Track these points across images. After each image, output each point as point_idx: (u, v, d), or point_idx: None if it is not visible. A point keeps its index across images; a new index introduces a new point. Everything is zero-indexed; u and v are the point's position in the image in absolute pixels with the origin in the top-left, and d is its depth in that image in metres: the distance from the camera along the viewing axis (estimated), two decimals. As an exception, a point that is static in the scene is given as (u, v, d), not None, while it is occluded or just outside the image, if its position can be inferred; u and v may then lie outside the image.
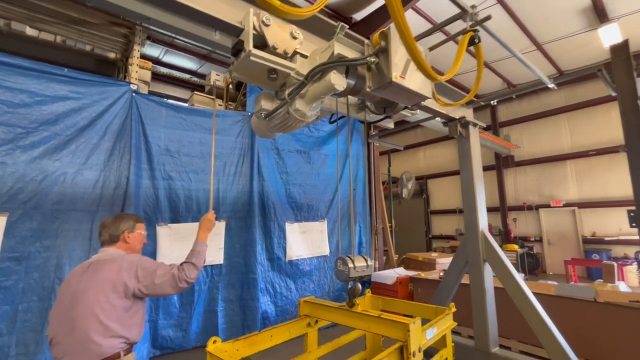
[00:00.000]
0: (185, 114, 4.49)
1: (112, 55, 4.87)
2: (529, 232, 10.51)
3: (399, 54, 1.67)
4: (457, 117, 3.14)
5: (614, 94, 4.34)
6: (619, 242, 8.67)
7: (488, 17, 1.86)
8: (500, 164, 11.12)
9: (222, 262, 4.51)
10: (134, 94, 4.08)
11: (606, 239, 8.86)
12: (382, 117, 2.42)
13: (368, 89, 1.74)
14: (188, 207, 4.36)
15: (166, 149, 4.27)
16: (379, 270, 6.25)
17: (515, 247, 8.86)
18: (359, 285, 2.02)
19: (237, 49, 1.73)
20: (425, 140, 13.49)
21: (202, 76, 9.87)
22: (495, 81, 10.21)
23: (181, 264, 1.84)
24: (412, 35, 1.33)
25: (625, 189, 8.76)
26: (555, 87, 3.44)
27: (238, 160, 4.88)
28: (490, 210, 11.53)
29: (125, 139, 3.92)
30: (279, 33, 1.80)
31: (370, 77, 1.73)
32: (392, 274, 5.75)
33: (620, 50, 4.33)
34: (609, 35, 7.01)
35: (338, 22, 1.82)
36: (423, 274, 5.46)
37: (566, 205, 9.72)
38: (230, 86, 6.07)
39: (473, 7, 1.92)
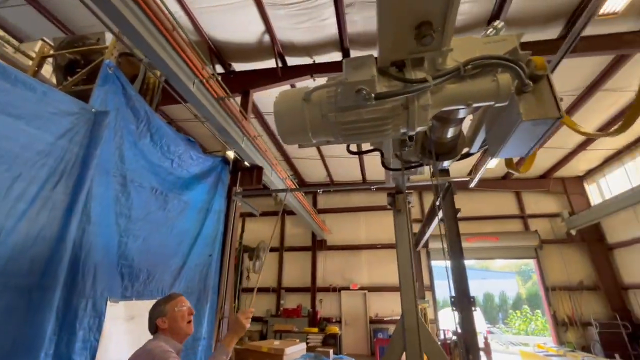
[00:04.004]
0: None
1: None
2: (332, 313, 11.41)
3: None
4: (405, 191, 3.05)
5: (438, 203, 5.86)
6: (392, 321, 10.78)
7: None
8: (315, 246, 12.15)
9: None
10: None
11: (385, 319, 10.84)
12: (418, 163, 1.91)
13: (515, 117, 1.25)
14: None
15: None
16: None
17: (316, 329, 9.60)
18: None
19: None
20: (245, 212, 13.12)
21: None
22: (321, 172, 11.78)
23: None
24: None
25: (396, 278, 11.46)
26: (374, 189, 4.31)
27: (48, 178, 2.64)
28: (302, 290, 11.94)
29: None
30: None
31: (525, 103, 1.27)
32: (243, 376, 4.33)
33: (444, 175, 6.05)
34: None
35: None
36: (285, 372, 4.41)
37: (360, 288, 11.46)
38: (52, 62, 3.66)
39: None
